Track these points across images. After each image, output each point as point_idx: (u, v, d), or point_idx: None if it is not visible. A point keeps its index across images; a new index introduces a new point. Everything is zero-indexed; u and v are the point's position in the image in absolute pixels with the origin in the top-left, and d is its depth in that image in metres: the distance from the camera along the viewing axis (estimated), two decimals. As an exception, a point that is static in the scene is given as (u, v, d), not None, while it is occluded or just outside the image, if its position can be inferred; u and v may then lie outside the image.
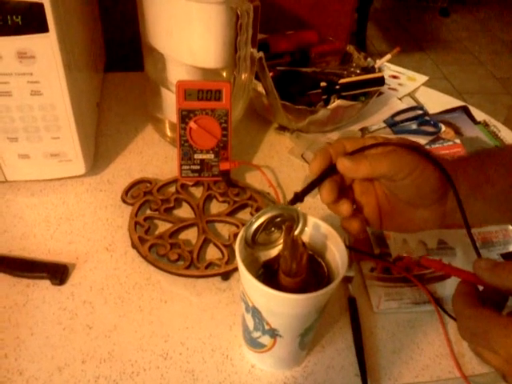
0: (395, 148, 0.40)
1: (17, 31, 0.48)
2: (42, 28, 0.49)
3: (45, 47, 0.50)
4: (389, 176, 0.40)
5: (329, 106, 0.72)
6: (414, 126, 0.81)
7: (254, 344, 0.45)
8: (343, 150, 0.42)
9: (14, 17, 0.47)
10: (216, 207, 0.63)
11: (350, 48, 0.85)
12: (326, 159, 0.41)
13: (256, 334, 0.43)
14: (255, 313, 0.41)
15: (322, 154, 0.41)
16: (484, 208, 0.43)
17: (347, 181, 0.43)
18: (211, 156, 0.63)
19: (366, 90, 0.76)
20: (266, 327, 0.41)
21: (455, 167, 0.41)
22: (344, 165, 0.40)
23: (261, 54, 0.66)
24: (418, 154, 0.40)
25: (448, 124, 0.83)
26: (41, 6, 0.47)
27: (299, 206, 0.42)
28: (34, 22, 0.48)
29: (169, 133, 0.72)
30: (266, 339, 0.43)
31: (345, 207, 0.42)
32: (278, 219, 0.41)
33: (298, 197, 0.42)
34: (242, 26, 0.54)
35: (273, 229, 0.42)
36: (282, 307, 0.39)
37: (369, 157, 0.40)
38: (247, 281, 0.39)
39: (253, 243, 0.41)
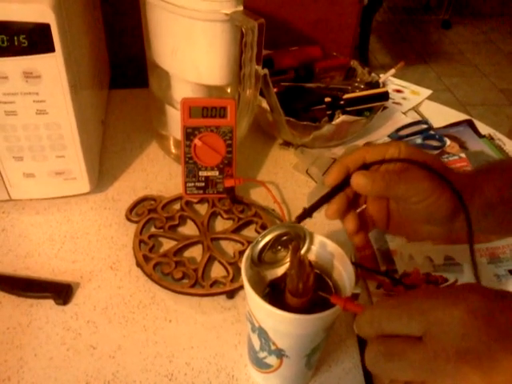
0: (414, 167, 0.40)
1: (23, 51, 0.49)
2: (49, 48, 0.49)
3: (51, 67, 0.50)
4: (402, 198, 0.40)
5: (333, 122, 0.72)
6: (419, 141, 0.80)
7: (260, 364, 0.44)
8: (362, 161, 0.41)
9: (21, 37, 0.48)
10: (221, 224, 0.63)
11: (354, 63, 0.86)
12: (342, 172, 0.41)
13: (262, 355, 0.43)
14: (261, 333, 0.40)
15: (339, 167, 0.41)
16: (495, 224, 0.43)
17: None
18: (216, 173, 0.63)
19: (371, 105, 0.76)
20: (273, 347, 0.41)
21: (473, 187, 0.41)
22: (358, 183, 0.40)
23: (265, 70, 0.66)
24: (437, 177, 0.39)
25: (453, 138, 0.82)
26: (47, 27, 0.47)
27: (305, 224, 0.42)
28: (40, 43, 0.48)
29: (173, 150, 0.72)
30: (272, 359, 0.42)
31: (349, 225, 0.42)
32: (285, 237, 0.41)
33: (307, 212, 0.41)
34: (247, 44, 0.54)
35: (279, 247, 0.42)
36: (288, 328, 0.38)
37: (385, 175, 0.39)
38: (253, 301, 0.38)
39: (259, 262, 0.41)
